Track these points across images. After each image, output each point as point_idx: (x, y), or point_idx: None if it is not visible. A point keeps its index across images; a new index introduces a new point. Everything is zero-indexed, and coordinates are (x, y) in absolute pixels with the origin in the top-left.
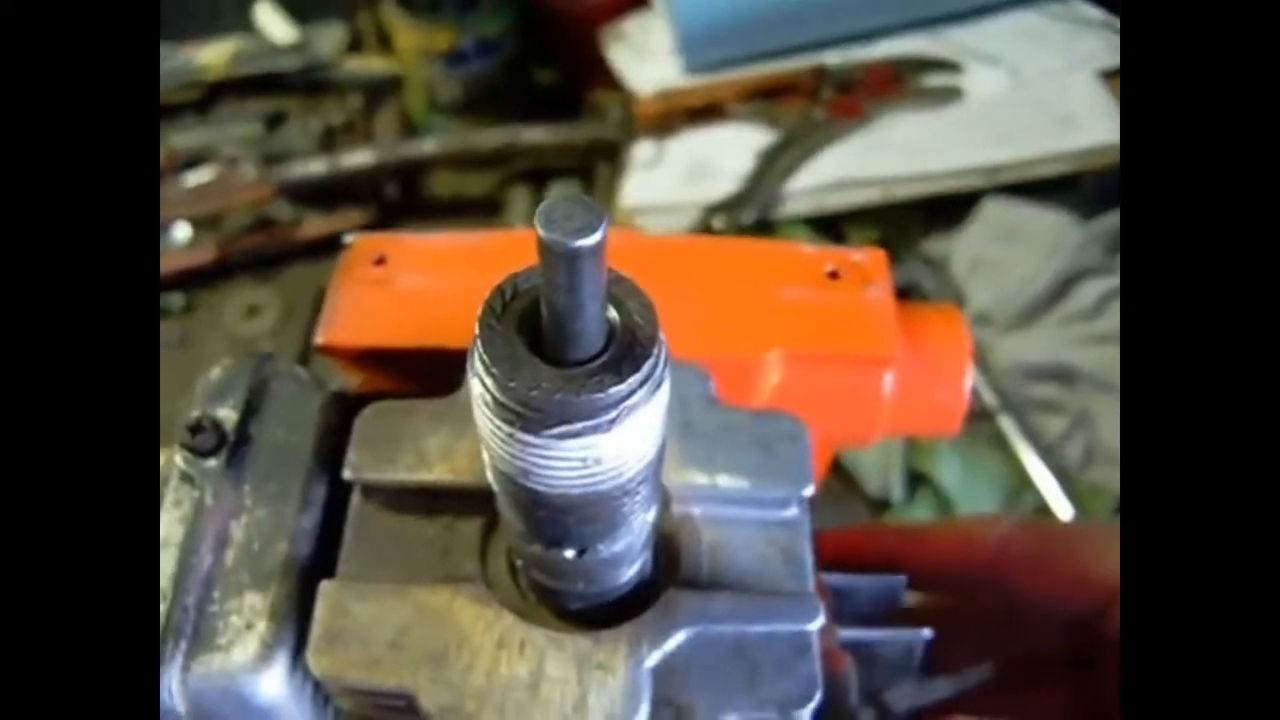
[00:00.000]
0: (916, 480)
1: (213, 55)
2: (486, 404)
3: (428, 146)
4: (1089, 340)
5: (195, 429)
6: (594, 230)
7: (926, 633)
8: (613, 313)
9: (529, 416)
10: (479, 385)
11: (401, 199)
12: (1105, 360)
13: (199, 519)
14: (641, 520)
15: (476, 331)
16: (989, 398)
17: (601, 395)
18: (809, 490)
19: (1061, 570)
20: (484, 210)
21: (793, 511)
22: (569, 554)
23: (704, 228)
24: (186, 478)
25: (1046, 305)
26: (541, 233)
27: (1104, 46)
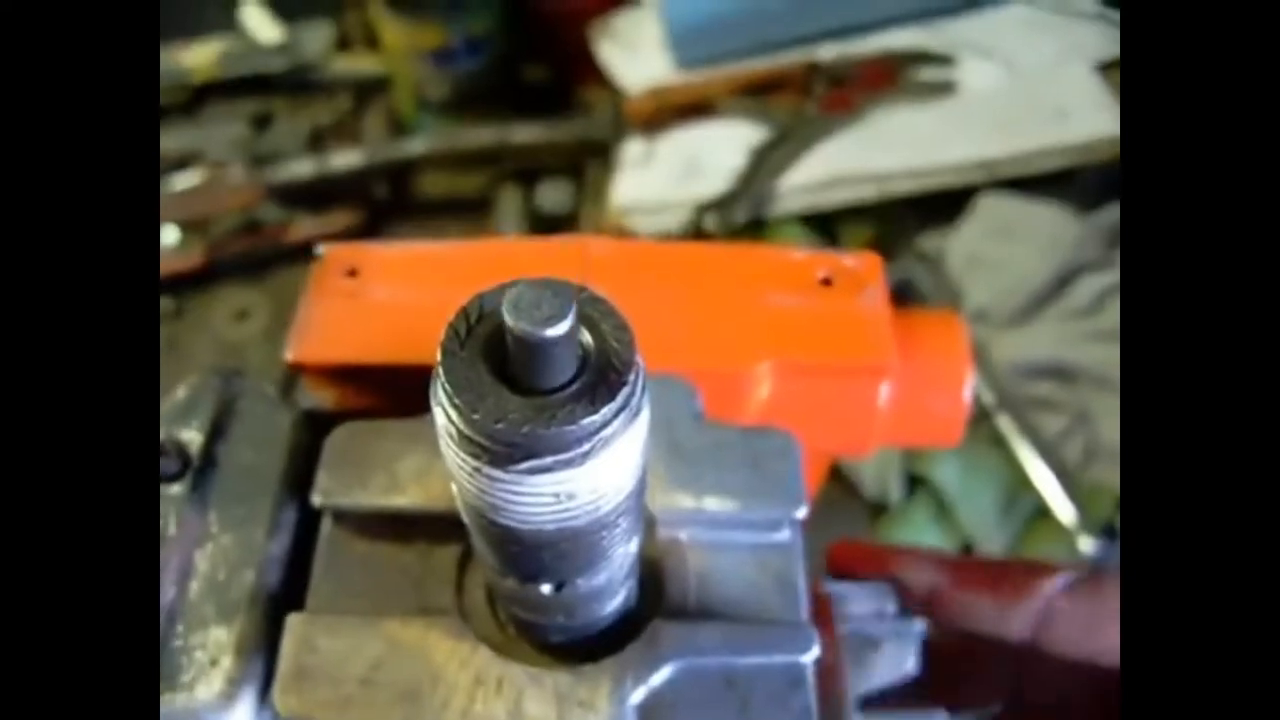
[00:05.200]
0: (915, 481)
1: (199, 57)
2: (451, 436)
3: (417, 146)
4: (1088, 337)
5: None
6: (562, 318)
7: (920, 626)
8: (586, 336)
9: (495, 450)
10: (442, 416)
11: (391, 199)
12: (1105, 357)
13: (162, 549)
14: (623, 552)
15: (438, 358)
16: (987, 396)
17: (573, 427)
18: (801, 512)
19: (1106, 636)
20: (474, 210)
21: (785, 534)
22: (545, 589)
23: (696, 226)
24: None
25: (1045, 302)
26: (509, 321)
27: (1099, 38)
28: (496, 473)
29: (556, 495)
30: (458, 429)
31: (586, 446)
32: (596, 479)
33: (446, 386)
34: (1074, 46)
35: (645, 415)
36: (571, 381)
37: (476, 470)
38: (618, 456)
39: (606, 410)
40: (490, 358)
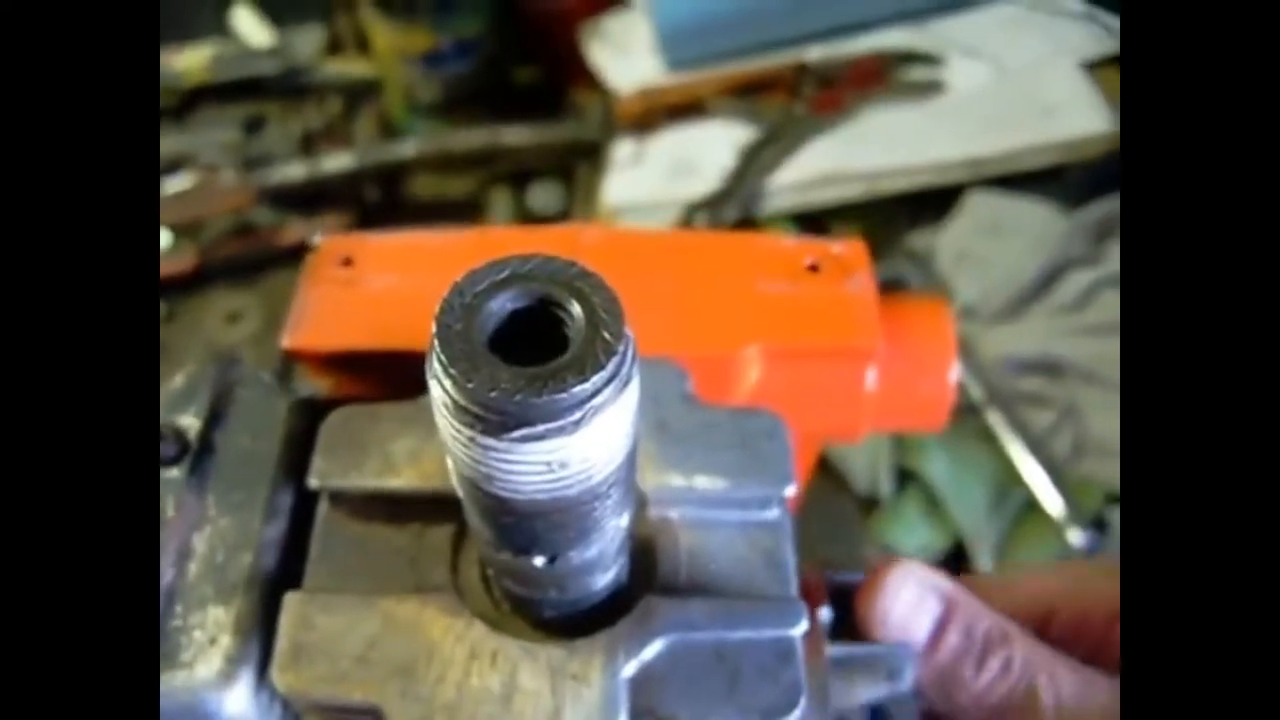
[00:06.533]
0: (905, 476)
1: (190, 61)
2: (445, 407)
3: (408, 149)
4: (1076, 332)
5: None
6: None
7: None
8: (576, 308)
9: (489, 419)
10: (437, 387)
11: (382, 202)
12: (1093, 352)
13: (160, 532)
14: (614, 525)
15: (434, 331)
16: (976, 392)
17: (565, 395)
18: (790, 490)
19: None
20: (465, 212)
21: (774, 512)
22: (539, 561)
23: (686, 225)
24: None
25: (1033, 297)
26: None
27: (1086, 37)
28: (491, 441)
29: (549, 464)
30: (453, 399)
31: (578, 415)
32: (588, 447)
33: (442, 357)
34: (1060, 45)
35: (635, 385)
36: (563, 352)
37: (471, 440)
38: (609, 425)
39: (597, 379)
40: (483, 330)
